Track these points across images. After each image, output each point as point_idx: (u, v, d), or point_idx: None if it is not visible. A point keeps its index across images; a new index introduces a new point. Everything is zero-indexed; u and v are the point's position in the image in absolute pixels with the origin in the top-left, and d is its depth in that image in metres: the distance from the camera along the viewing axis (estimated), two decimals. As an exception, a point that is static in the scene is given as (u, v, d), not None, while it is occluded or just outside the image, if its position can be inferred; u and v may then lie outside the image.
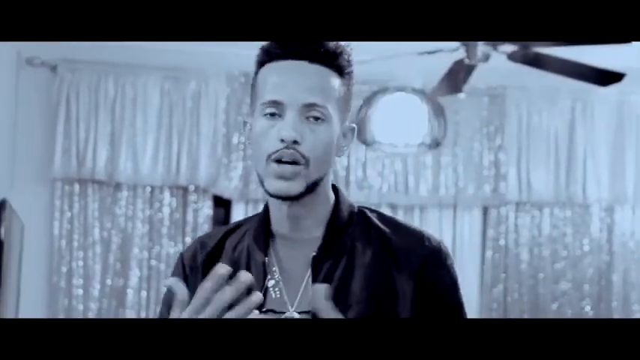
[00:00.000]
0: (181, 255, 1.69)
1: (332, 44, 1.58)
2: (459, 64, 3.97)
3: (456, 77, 3.99)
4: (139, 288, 4.88)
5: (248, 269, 1.57)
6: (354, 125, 1.65)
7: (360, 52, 4.85)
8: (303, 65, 1.56)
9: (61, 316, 4.76)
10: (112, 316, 4.81)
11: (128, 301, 4.85)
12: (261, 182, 1.58)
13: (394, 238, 1.60)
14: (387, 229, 1.61)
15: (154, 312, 4.86)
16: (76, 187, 4.87)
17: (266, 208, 1.65)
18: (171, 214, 4.96)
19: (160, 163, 4.91)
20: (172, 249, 4.91)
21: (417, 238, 1.61)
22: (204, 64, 4.88)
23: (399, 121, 4.38)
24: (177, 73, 4.95)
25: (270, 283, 1.59)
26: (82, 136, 4.84)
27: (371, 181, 5.11)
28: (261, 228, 1.63)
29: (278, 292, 1.58)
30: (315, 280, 1.56)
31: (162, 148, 4.92)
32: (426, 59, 4.00)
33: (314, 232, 1.60)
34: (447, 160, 5.16)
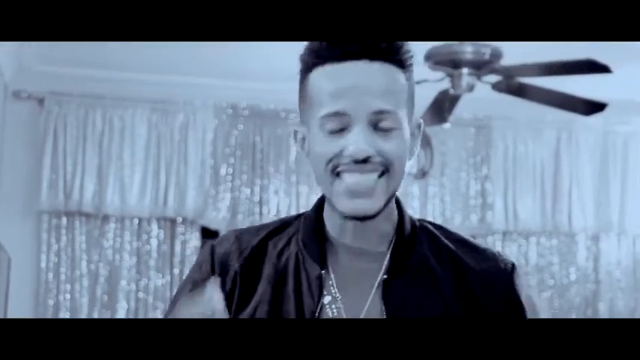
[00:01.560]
0: (212, 248, 1.46)
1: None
2: (443, 94, 4.01)
3: (442, 107, 4.03)
4: (126, 320, 4.87)
5: (298, 282, 1.40)
6: (420, 120, 1.45)
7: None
8: (364, 66, 1.34)
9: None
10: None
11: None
12: (332, 204, 1.38)
13: (469, 261, 1.42)
14: (458, 250, 1.44)
15: (141, 344, 4.83)
16: (63, 219, 4.86)
17: (317, 216, 1.45)
18: (159, 245, 4.96)
19: (148, 195, 4.92)
20: (160, 281, 4.90)
21: (491, 259, 1.44)
22: (191, 96, 4.90)
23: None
24: (164, 106, 4.97)
25: (327, 299, 1.39)
26: (69, 168, 4.84)
27: (358, 212, 5.12)
28: (314, 234, 1.42)
29: (336, 311, 1.39)
30: (387, 304, 1.37)
31: (149, 179, 4.93)
32: (411, 90, 4.03)
33: (379, 246, 1.41)
34: (434, 190, 5.19)
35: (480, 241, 1.53)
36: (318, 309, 1.37)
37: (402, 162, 1.37)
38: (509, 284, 1.42)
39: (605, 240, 5.31)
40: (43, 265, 4.81)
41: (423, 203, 5.17)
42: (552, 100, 3.96)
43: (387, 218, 1.41)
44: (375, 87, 1.33)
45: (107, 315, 4.83)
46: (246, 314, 1.40)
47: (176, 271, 4.92)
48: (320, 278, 1.39)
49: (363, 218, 1.36)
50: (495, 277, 1.41)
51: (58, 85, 4.83)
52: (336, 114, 1.33)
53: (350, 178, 1.33)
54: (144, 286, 4.90)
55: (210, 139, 5.00)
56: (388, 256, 1.41)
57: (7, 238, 4.35)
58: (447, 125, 4.24)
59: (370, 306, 1.38)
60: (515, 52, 3.75)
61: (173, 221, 4.98)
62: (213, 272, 1.42)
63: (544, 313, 1.57)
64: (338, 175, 1.34)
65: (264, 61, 4.31)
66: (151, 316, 4.87)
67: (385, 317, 1.36)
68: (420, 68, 3.91)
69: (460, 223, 5.16)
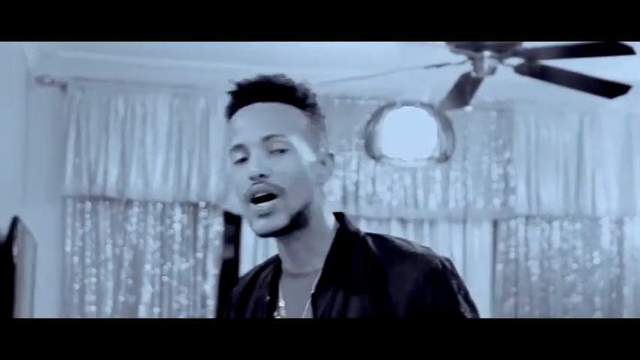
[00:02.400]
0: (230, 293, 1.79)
1: (281, 80, 1.62)
2: (465, 77, 4.00)
3: (463, 90, 4.01)
4: (151, 304, 4.90)
5: (262, 306, 1.65)
6: (331, 152, 1.66)
7: (367, 68, 4.89)
8: (257, 106, 1.61)
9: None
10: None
11: (140, 317, 4.87)
12: (250, 226, 1.61)
13: (388, 265, 1.57)
14: (382, 256, 1.59)
15: (165, 328, 4.87)
16: (88, 204, 4.90)
17: None
18: (183, 230, 4.99)
19: (171, 180, 4.95)
20: (184, 265, 4.94)
21: (410, 261, 1.57)
22: (213, 81, 4.91)
23: (408, 135, 4.39)
24: (186, 91, 4.99)
25: (275, 314, 1.64)
26: (92, 154, 4.88)
27: (380, 196, 5.13)
28: (273, 266, 1.68)
29: None
30: (315, 315, 1.58)
31: (172, 164, 4.95)
32: (432, 73, 4.02)
33: (315, 264, 1.61)
34: (456, 174, 5.18)
35: (415, 244, 1.61)
36: (276, 315, 1.62)
37: (298, 180, 1.58)
38: (421, 282, 1.54)
39: (629, 224, 5.29)
40: (68, 249, 4.86)
41: (445, 187, 5.16)
42: (575, 83, 3.94)
43: (317, 236, 1.61)
44: (263, 119, 1.59)
45: (132, 299, 4.88)
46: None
47: (199, 255, 4.95)
48: (267, 303, 1.64)
49: (273, 234, 1.59)
50: (407, 277, 1.54)
51: (81, 71, 4.86)
52: (238, 146, 1.60)
53: (253, 205, 1.57)
54: (168, 270, 4.94)
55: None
56: (320, 273, 1.60)
57: (33, 223, 4.39)
58: (468, 108, 4.23)
59: (305, 317, 1.59)
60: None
61: (196, 206, 5.01)
62: (228, 311, 1.76)
63: (470, 314, 1.57)
64: (247, 201, 1.58)
65: (286, 45, 4.31)
66: (175, 299, 4.91)
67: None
68: (442, 51, 3.91)
69: (482, 207, 5.15)
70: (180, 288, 4.93)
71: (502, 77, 4.03)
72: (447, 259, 1.60)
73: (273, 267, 1.68)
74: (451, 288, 1.55)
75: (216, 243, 4.99)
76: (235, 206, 5.00)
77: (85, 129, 4.88)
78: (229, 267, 5.12)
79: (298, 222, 1.58)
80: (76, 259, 4.86)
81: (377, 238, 1.64)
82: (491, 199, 5.18)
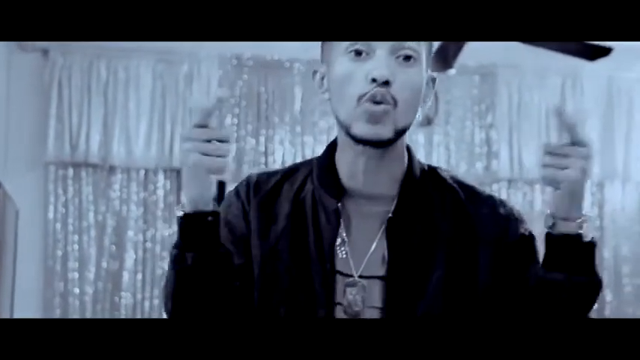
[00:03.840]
0: (237, 190, 1.56)
1: None
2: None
3: (447, 54, 4.01)
4: (134, 270, 4.91)
5: (316, 217, 1.48)
6: (435, 74, 1.53)
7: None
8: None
9: (57, 299, 4.79)
10: (108, 299, 4.84)
11: (124, 283, 4.88)
12: (347, 128, 1.45)
13: (470, 205, 1.51)
14: (462, 194, 1.52)
15: (149, 294, 4.89)
16: (70, 170, 4.88)
17: (329, 156, 1.53)
18: (166, 196, 4.98)
19: (154, 146, 4.93)
20: (167, 231, 4.94)
21: (492, 205, 1.52)
22: (196, 46, 4.88)
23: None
24: (169, 56, 4.96)
25: (337, 241, 1.47)
26: (74, 119, 4.85)
27: (363, 161, 5.14)
28: (329, 174, 1.51)
29: (344, 253, 1.47)
30: (390, 244, 1.45)
31: (155, 130, 4.94)
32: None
33: (389, 189, 1.49)
34: (439, 139, 5.19)
35: (486, 189, 1.58)
36: (338, 242, 1.46)
37: (415, 96, 1.45)
38: (506, 229, 1.50)
39: (609, 187, 5.32)
40: (51, 216, 4.85)
41: (429, 152, 5.18)
42: (557, 45, 3.95)
43: (396, 160, 1.49)
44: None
45: (115, 265, 4.87)
46: (262, 245, 1.49)
47: (183, 221, 4.94)
48: (337, 211, 1.47)
49: (375, 143, 1.44)
50: (493, 221, 1.50)
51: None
52: (362, 43, 1.43)
53: (369, 105, 1.42)
54: (151, 236, 4.94)
55: (215, 90, 5.00)
56: (396, 198, 1.48)
57: (15, 190, 4.38)
58: (451, 71, 4.23)
59: (376, 247, 1.46)
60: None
61: (179, 172, 5.00)
62: (244, 209, 1.52)
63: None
64: (361, 100, 1.42)
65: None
66: (158, 265, 4.91)
67: (387, 256, 1.45)
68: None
69: (465, 171, 5.17)
70: (163, 254, 4.93)
71: (485, 41, 4.02)
72: None
73: (328, 176, 1.50)
74: (531, 237, 1.55)
75: (200, 209, 4.98)
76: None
77: (67, 95, 4.85)
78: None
79: (398, 137, 1.45)
80: (58, 225, 4.85)
81: (446, 171, 1.57)
82: (473, 163, 5.20)
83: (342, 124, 1.46)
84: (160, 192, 4.97)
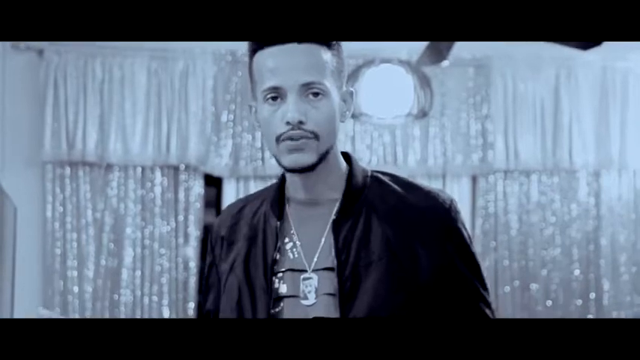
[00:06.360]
0: (211, 228, 1.81)
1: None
2: (443, 34, 4.00)
3: (440, 46, 4.02)
4: (133, 267, 4.92)
5: (264, 234, 1.70)
6: (352, 89, 1.72)
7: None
8: (293, 47, 1.63)
9: (57, 298, 4.80)
10: (107, 297, 4.85)
11: (123, 280, 4.89)
12: (277, 161, 1.66)
13: (409, 197, 1.67)
14: (400, 190, 1.69)
15: (149, 291, 4.90)
16: (67, 169, 4.89)
17: (282, 177, 1.75)
18: (163, 193, 4.99)
19: (150, 143, 4.94)
20: (165, 228, 4.95)
21: (430, 196, 1.69)
22: (190, 43, 4.89)
23: (386, 92, 4.41)
24: (164, 53, 4.96)
25: (289, 245, 1.68)
26: (71, 118, 4.86)
27: (360, 154, 5.15)
28: (277, 195, 1.72)
29: (296, 253, 1.67)
30: (336, 240, 1.64)
31: (151, 128, 4.95)
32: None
33: (329, 195, 1.69)
34: (434, 131, 5.20)
35: (423, 183, 1.75)
36: (277, 255, 1.67)
37: (331, 124, 1.64)
38: (448, 219, 1.67)
39: (606, 176, 5.34)
40: (49, 214, 4.86)
41: (424, 144, 5.19)
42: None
43: (332, 171, 1.69)
44: (302, 64, 1.62)
45: (114, 263, 4.89)
46: (225, 267, 1.71)
47: (180, 217, 4.96)
48: (277, 229, 1.69)
49: (302, 170, 1.64)
50: (430, 210, 1.66)
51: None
52: (274, 88, 1.62)
53: (289, 143, 1.62)
54: (149, 233, 4.95)
55: (211, 86, 5.01)
56: (339, 201, 1.67)
57: (13, 189, 4.38)
58: (445, 63, 4.24)
59: (324, 244, 1.66)
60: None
61: (176, 169, 5.01)
62: (211, 244, 1.79)
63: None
64: (280, 140, 1.63)
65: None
66: (157, 262, 4.92)
67: (335, 252, 1.63)
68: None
69: (461, 163, 5.18)
70: (162, 251, 4.95)
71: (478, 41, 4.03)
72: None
73: (275, 197, 1.72)
74: (465, 227, 1.71)
75: (197, 206, 5.00)
76: (215, 168, 5.01)
77: (63, 94, 4.86)
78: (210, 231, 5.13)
79: (323, 159, 1.65)
80: (57, 224, 4.86)
81: (387, 174, 1.74)
82: (469, 154, 5.22)
83: (275, 159, 1.68)
84: (157, 189, 4.99)
